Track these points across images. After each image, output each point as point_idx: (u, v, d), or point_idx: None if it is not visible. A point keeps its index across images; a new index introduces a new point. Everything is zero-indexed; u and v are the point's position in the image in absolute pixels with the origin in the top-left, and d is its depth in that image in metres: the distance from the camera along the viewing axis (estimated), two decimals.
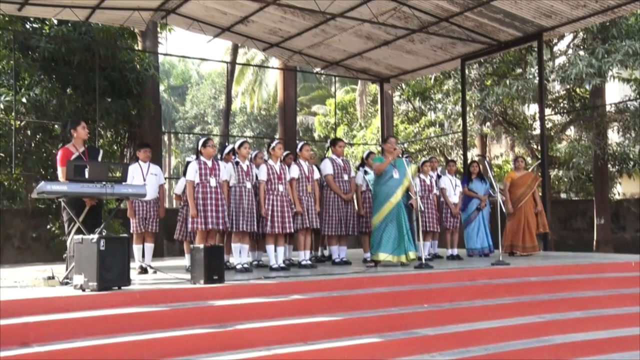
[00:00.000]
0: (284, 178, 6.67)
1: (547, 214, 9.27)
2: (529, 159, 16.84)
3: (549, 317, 5.64)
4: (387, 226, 6.78)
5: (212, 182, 6.20)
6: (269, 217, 6.47)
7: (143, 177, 6.64)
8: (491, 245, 8.58)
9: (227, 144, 7.76)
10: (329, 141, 7.80)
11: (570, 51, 14.54)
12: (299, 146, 7.20)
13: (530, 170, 10.56)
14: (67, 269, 5.30)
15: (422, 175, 8.06)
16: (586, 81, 12.55)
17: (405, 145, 17.74)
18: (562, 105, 15.26)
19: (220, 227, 6.19)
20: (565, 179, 15.52)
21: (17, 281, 5.61)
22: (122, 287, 4.79)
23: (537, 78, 10.98)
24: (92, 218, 5.41)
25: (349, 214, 7.34)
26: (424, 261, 6.65)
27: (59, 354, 3.79)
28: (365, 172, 7.61)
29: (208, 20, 10.74)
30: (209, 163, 6.27)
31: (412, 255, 6.84)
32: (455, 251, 8.21)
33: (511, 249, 8.61)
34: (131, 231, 6.65)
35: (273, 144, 6.75)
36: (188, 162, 6.48)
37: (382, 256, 6.78)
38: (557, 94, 15.49)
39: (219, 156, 7.07)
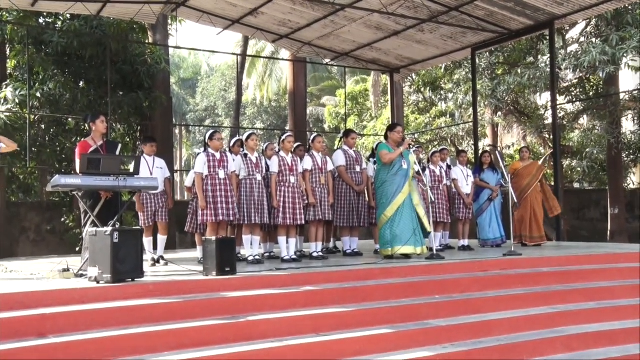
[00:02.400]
0: (295, 170, 6.67)
1: (560, 204, 9.20)
2: (541, 149, 16.71)
3: (562, 308, 5.60)
4: (402, 218, 6.71)
5: (221, 174, 6.21)
6: (281, 209, 6.47)
7: (149, 171, 6.69)
8: (504, 235, 8.53)
9: (238, 136, 7.77)
10: (341, 132, 7.76)
11: (583, 39, 14.31)
12: (311, 138, 7.19)
13: (542, 160, 10.46)
14: (82, 261, 5.36)
15: (432, 166, 8.02)
16: (600, 69, 12.35)
17: (416, 135, 17.66)
18: (574, 93, 15.06)
19: (231, 218, 6.22)
20: (579, 169, 15.37)
21: (33, 273, 5.68)
22: (136, 279, 4.82)
23: (549, 66, 10.85)
24: (108, 211, 5.45)
25: (360, 205, 7.33)
26: (435, 252, 6.63)
27: (75, 345, 3.83)
28: (375, 163, 7.58)
29: (218, 13, 10.72)
30: (217, 155, 6.28)
31: (425, 248, 6.82)
32: (467, 242, 8.18)
33: (521, 239, 8.58)
34: (140, 224, 6.71)
35: (283, 137, 6.74)
36: (197, 155, 6.48)
37: (404, 249, 6.58)
38: (569, 83, 15.28)
39: (228, 149, 7.09)
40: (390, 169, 6.78)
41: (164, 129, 11.83)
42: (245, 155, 6.52)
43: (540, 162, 9.28)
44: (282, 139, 6.72)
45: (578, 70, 13.39)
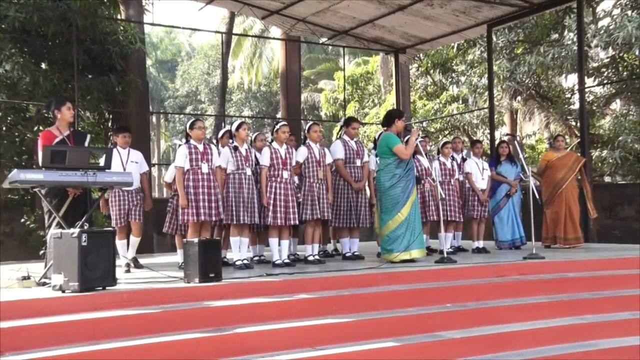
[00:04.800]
0: (289, 163, 6.66)
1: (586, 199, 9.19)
2: (567, 138, 16.72)
3: (591, 318, 5.61)
4: (415, 218, 6.75)
5: (204, 168, 6.20)
6: (272, 207, 6.47)
7: (123, 165, 6.67)
8: (523, 236, 8.54)
9: (223, 125, 7.73)
10: (342, 120, 7.76)
11: (616, 11, 14.28)
12: (306, 127, 7.17)
13: (570, 150, 10.46)
14: (45, 268, 5.32)
15: (442, 158, 8.02)
16: (636, 46, 12.33)
17: (424, 124, 17.67)
18: (606, 74, 15.05)
19: (214, 217, 6.22)
20: (610, 160, 15.32)
21: None
22: (107, 288, 4.80)
23: (577, 44, 10.83)
24: (76, 210, 5.42)
25: (360, 202, 7.32)
26: (445, 255, 6.63)
27: None
28: (377, 155, 7.57)
29: None
30: (200, 147, 6.27)
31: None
32: (482, 243, 8.19)
33: (554, 241, 8.57)
34: (112, 225, 6.70)
35: (277, 126, 6.71)
36: (178, 146, 6.47)
37: (419, 252, 6.71)
38: (600, 62, 15.28)
39: (213, 140, 7.06)
40: (404, 164, 6.75)
41: (139, 117, 11.77)
42: (235, 147, 6.50)
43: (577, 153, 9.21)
44: (275, 129, 6.70)
45: (610, 47, 13.37)
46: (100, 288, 4.76)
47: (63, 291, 4.66)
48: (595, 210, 8.85)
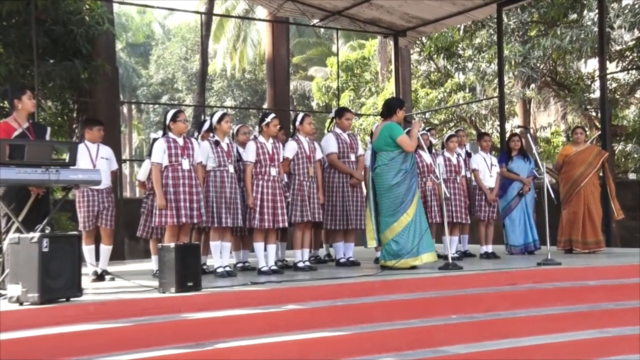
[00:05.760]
0: (277, 159, 6.65)
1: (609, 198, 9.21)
2: (586, 130, 16.76)
3: (614, 331, 5.62)
4: (421, 219, 6.79)
5: (185, 164, 6.18)
6: (258, 209, 6.46)
7: (92, 162, 6.63)
8: (537, 240, 8.56)
9: (203, 117, 7.72)
10: (333, 111, 7.75)
11: None
12: (299, 118, 7.15)
13: (591, 143, 10.47)
14: (0, 277, 5.28)
15: (446, 153, 8.04)
16: None
17: (427, 115, 17.72)
18: (630, 59, 15.12)
19: (195, 220, 6.20)
20: (635, 155, 15.42)
21: None
22: (72, 299, 4.77)
23: (597, 25, 10.86)
24: (37, 212, 5.38)
25: (356, 202, 7.32)
26: (450, 261, 6.64)
27: None
28: (374, 150, 7.57)
29: None
30: (180, 141, 6.25)
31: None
32: (491, 248, 8.22)
33: (570, 245, 8.59)
34: (79, 228, 6.66)
35: (268, 119, 6.67)
36: (154, 140, 6.45)
37: (431, 257, 6.76)
38: (624, 46, 15.33)
39: (195, 134, 7.04)
40: (409, 159, 6.76)
41: (108, 108, 11.70)
42: (217, 142, 6.48)
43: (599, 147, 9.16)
44: (265, 122, 6.66)
45: (635, 29, 13.40)
46: (64, 299, 4.73)
47: (21, 303, 4.63)
48: (621, 210, 8.85)
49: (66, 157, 5.45)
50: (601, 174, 8.95)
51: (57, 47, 11.19)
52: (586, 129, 15.95)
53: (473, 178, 8.39)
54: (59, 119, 11.87)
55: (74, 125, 11.83)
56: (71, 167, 5.33)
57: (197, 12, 18.36)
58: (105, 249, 6.80)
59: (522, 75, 15.69)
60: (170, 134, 6.27)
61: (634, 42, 14.91)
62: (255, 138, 6.70)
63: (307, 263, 6.89)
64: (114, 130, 11.78)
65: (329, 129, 7.70)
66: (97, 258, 6.80)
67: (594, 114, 15.31)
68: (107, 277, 6.65)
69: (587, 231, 8.47)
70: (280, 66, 15.36)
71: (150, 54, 37.84)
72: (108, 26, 11.62)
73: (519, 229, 8.52)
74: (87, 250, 6.64)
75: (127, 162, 36.48)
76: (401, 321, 5.22)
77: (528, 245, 8.52)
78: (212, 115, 6.80)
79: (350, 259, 7.36)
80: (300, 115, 7.21)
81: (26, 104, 5.71)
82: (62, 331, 4.35)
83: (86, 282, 6.10)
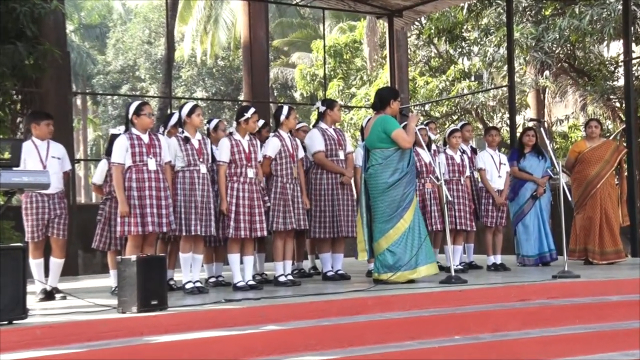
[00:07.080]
0: (255, 158, 6.67)
1: (637, 202, 9.25)
2: (608, 123, 16.91)
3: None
4: (420, 226, 6.85)
5: (151, 164, 6.17)
6: (233, 215, 6.48)
7: (42, 162, 6.61)
8: (554, 250, 8.59)
9: (170, 110, 7.72)
10: (318, 103, 7.76)
11: None
12: (284, 112, 7.13)
13: (611, 138, 10.54)
14: None
15: (449, 151, 8.09)
16: None
17: (427, 107, 17.80)
18: None
19: (165, 228, 6.20)
20: None
21: None
22: (15, 321, 4.76)
23: (622, 3, 10.95)
24: None
25: (346, 207, 7.34)
26: (453, 273, 6.68)
27: None
28: (365, 147, 7.61)
29: None
30: (145, 138, 6.24)
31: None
32: (500, 258, 8.27)
33: (585, 254, 8.65)
34: (26, 239, 6.63)
35: (248, 114, 6.67)
36: (113, 137, 6.43)
37: (431, 269, 6.83)
38: None
39: (161, 129, 7.04)
40: (401, 161, 6.79)
41: (58, 99, 11.65)
42: (186, 139, 6.48)
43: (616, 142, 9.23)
44: (245, 117, 6.66)
45: None
46: (5, 322, 4.71)
47: None
48: (627, 217, 8.87)
49: (9, 156, 5.44)
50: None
51: None
52: (608, 121, 16.12)
53: (479, 179, 8.44)
54: (0, 112, 11.81)
55: (18, 120, 11.76)
56: (14, 169, 5.31)
57: None
58: (56, 263, 6.78)
59: (535, 60, 15.78)
60: (134, 130, 6.25)
61: None
62: (230, 134, 6.71)
63: (290, 277, 6.92)
64: (65, 125, 11.73)
65: (314, 124, 7.72)
66: (47, 274, 6.78)
67: (617, 104, 15.44)
68: (58, 295, 6.64)
69: (605, 240, 8.49)
70: (258, 51, 15.35)
71: (107, 37, 37.64)
72: (57, 4, 11.56)
73: (533, 236, 8.54)
74: (35, 264, 6.63)
75: (82, 162, 36.35)
76: (397, 343, 5.23)
77: (543, 256, 8.54)
78: (180, 108, 6.79)
79: (339, 272, 7.38)
80: (286, 108, 7.21)
81: None
82: (2, 359, 4.33)
83: (32, 301, 6.08)
